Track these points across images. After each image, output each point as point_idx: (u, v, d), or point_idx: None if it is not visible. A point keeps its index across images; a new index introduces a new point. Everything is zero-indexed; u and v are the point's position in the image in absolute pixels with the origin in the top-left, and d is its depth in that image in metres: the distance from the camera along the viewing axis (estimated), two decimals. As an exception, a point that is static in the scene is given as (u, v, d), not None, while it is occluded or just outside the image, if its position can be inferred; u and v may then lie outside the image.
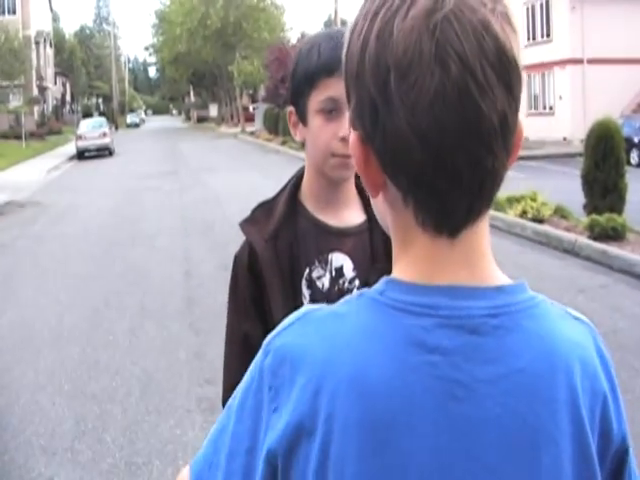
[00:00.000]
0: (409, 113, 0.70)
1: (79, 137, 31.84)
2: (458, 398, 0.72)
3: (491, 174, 0.73)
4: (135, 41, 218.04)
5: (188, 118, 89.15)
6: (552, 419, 0.73)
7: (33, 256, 10.39)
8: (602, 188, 9.79)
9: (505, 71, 0.71)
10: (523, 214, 10.60)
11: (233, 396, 0.82)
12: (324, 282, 1.50)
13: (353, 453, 0.71)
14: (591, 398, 0.76)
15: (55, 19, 77.60)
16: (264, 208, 1.55)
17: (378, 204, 0.81)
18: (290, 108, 1.53)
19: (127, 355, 5.90)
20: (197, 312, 7.02)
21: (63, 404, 4.96)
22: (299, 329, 0.77)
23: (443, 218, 0.74)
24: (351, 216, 1.53)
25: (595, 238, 8.99)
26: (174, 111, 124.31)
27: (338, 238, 1.51)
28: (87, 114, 65.44)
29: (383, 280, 0.77)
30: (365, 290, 0.78)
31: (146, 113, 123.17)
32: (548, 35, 29.44)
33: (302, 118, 1.49)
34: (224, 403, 0.85)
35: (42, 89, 52.79)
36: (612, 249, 8.52)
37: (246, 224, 1.54)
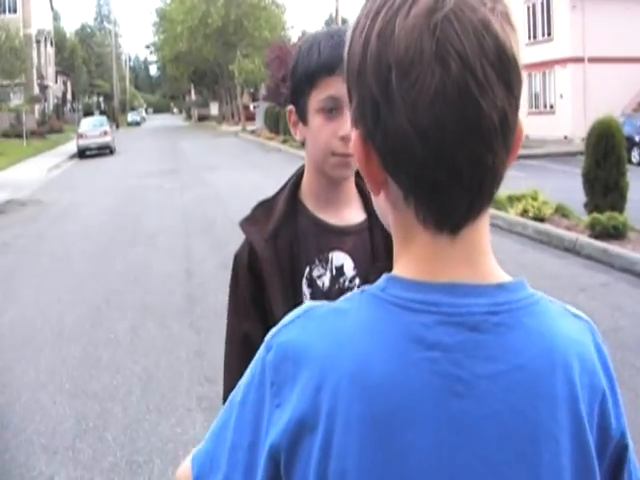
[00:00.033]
0: (410, 111, 0.70)
1: (80, 136, 31.81)
2: (458, 394, 0.72)
3: (491, 172, 0.73)
4: (136, 39, 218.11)
5: (189, 116, 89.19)
6: (552, 415, 0.74)
7: (34, 255, 10.39)
8: (603, 187, 9.78)
9: (505, 70, 0.71)
10: (524, 213, 10.59)
11: (235, 391, 0.83)
12: (324, 281, 1.50)
13: (354, 447, 0.72)
14: (590, 394, 0.76)
15: (56, 18, 77.63)
16: (264, 207, 1.54)
17: (379, 202, 0.82)
18: (290, 107, 1.52)
19: (128, 354, 5.91)
20: (198, 311, 7.02)
21: (64, 403, 4.97)
22: (301, 325, 0.78)
23: (444, 215, 0.74)
24: (351, 215, 1.53)
25: (596, 237, 8.98)
26: (175, 109, 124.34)
27: (338, 237, 1.50)
28: (88, 113, 65.41)
29: (384, 277, 0.78)
30: (367, 287, 0.78)
31: (147, 111, 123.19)
32: (549, 34, 29.42)
33: (302, 117, 1.49)
34: (225, 403, 0.85)
35: (43, 88, 52.80)
36: (613, 248, 8.51)
37: (246, 223, 1.54)
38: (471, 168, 0.72)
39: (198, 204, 14.54)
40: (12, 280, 8.87)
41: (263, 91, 46.22)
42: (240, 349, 1.47)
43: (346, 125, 1.41)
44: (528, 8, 29.91)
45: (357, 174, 1.50)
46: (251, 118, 50.17)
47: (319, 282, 1.49)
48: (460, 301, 0.74)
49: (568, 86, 28.26)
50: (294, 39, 46.35)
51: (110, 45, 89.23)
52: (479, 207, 0.75)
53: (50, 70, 58.43)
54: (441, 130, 0.70)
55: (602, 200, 9.77)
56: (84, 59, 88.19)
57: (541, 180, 13.24)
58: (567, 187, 11.99)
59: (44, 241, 11.42)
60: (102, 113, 63.33)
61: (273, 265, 1.48)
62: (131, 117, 79.53)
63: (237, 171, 20.80)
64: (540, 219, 10.34)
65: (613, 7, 26.89)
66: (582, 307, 0.84)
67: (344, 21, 35.01)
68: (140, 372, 5.49)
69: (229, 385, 1.43)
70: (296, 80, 1.47)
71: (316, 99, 1.43)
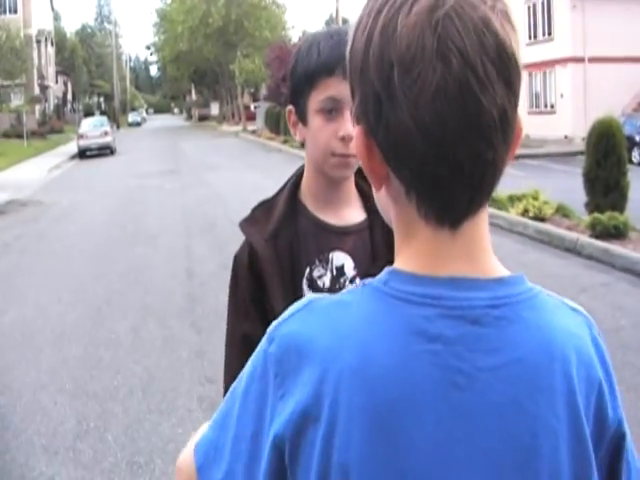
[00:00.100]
0: (412, 107, 0.72)
1: (80, 136, 31.81)
2: (459, 386, 0.73)
3: (491, 167, 0.75)
4: (136, 40, 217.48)
5: (189, 117, 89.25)
6: (550, 408, 0.75)
7: (35, 255, 10.40)
8: (604, 186, 9.78)
9: (505, 67, 0.73)
10: (525, 213, 10.59)
11: (236, 382, 0.84)
12: (325, 281, 1.49)
13: (357, 438, 0.73)
14: (587, 386, 0.77)
15: (56, 18, 77.69)
16: (264, 207, 1.54)
17: (381, 197, 0.83)
18: (289, 107, 1.52)
19: (129, 354, 5.91)
20: (199, 311, 7.02)
21: (65, 403, 4.97)
22: (303, 318, 0.79)
23: (445, 210, 0.76)
24: (351, 214, 1.52)
25: (597, 236, 8.98)
26: (175, 110, 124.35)
27: (339, 237, 1.50)
28: (88, 113, 65.45)
29: (386, 270, 0.79)
30: (369, 280, 0.79)
31: (147, 112, 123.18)
32: (549, 34, 29.41)
33: (302, 118, 1.48)
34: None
35: (43, 88, 52.82)
36: (614, 247, 8.51)
37: (246, 224, 1.54)
38: (472, 163, 0.73)
39: (199, 204, 14.55)
40: (13, 280, 8.88)
41: (264, 91, 46.26)
42: (240, 349, 1.46)
43: (346, 125, 1.40)
44: (528, 8, 29.91)
45: (357, 173, 1.50)
46: (252, 118, 50.13)
47: (319, 282, 1.49)
48: (461, 295, 0.75)
49: (568, 86, 28.25)
50: (295, 39, 46.37)
51: (110, 45, 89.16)
52: (479, 202, 0.77)
53: (50, 70, 58.47)
54: (442, 126, 0.71)
55: (603, 200, 9.76)
56: (84, 59, 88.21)
57: (542, 180, 13.23)
58: (568, 187, 11.98)
59: (45, 241, 11.43)
60: (103, 113, 63.23)
61: (273, 265, 1.47)
62: (132, 117, 79.51)
63: (238, 171, 20.79)
64: (541, 219, 10.33)
65: (613, 7, 26.88)
66: (583, 307, 0.85)
67: (344, 21, 35.05)
68: (141, 372, 5.49)
69: (229, 385, 1.42)
70: (295, 80, 1.47)
71: (316, 100, 1.43)
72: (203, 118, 75.98)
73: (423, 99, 0.71)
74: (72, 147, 34.04)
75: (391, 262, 0.81)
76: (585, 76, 27.40)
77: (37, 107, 48.05)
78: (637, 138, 20.44)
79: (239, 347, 1.48)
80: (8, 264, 9.90)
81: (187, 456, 0.88)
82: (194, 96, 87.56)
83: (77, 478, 3.98)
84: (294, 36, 51.03)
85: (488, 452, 0.73)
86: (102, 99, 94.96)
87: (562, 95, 28.79)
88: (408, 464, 0.73)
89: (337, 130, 1.42)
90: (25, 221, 13.85)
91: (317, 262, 1.49)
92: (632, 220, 9.30)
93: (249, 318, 1.48)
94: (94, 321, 6.89)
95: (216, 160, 25.27)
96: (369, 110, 0.76)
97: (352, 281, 1.49)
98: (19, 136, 35.41)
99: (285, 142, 30.96)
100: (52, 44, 60.15)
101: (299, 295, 1.47)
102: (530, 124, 25.41)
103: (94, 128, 32.31)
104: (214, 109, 74.49)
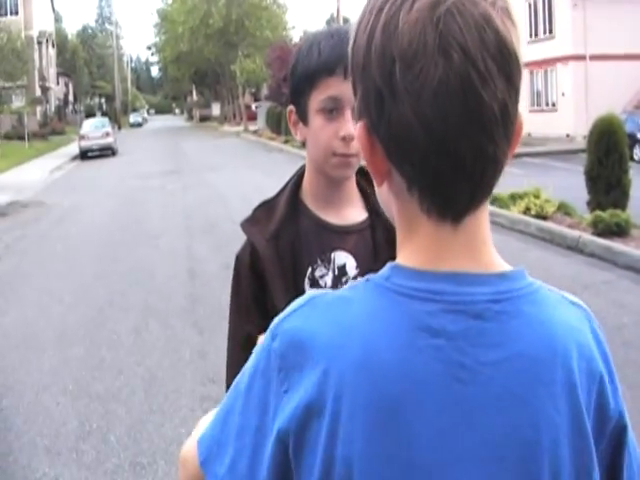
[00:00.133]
0: (414, 102, 0.73)
1: (82, 137, 31.83)
2: (462, 380, 0.74)
3: (493, 162, 0.75)
4: (137, 40, 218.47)
5: (191, 117, 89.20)
6: (552, 401, 0.76)
7: (37, 256, 10.41)
8: (605, 184, 9.77)
9: (505, 62, 0.73)
10: (526, 211, 10.58)
11: (239, 377, 0.84)
12: (327, 281, 1.49)
13: (360, 432, 0.73)
14: (588, 379, 0.78)
15: (57, 19, 77.66)
16: (265, 207, 1.54)
17: (383, 193, 0.84)
18: (290, 107, 1.51)
19: (131, 355, 5.91)
20: (201, 311, 7.02)
21: (67, 404, 4.97)
22: (306, 313, 0.79)
23: (447, 205, 0.76)
24: (353, 214, 1.52)
25: (599, 234, 8.97)
26: (177, 110, 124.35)
27: (340, 236, 1.50)
28: (90, 114, 65.42)
29: (388, 266, 0.79)
30: (371, 276, 0.80)
31: (149, 112, 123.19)
32: (550, 31, 29.41)
33: (303, 117, 1.48)
34: None
35: (45, 89, 52.86)
36: (616, 245, 8.50)
37: (247, 224, 1.53)
38: (473, 158, 0.74)
39: (200, 205, 14.55)
40: (14, 281, 8.88)
41: (265, 91, 46.27)
42: (242, 349, 1.46)
43: (347, 125, 1.40)
44: (529, 6, 29.90)
45: (359, 173, 1.50)
46: (253, 118, 50.09)
47: (321, 282, 1.49)
48: (463, 289, 0.76)
49: (570, 84, 28.23)
50: (295, 39, 46.36)
51: (112, 46, 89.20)
52: (481, 196, 0.77)
53: (52, 72, 58.51)
54: (444, 121, 0.72)
55: (605, 198, 9.76)
56: (86, 60, 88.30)
57: (543, 178, 13.21)
58: (569, 185, 11.97)
59: (46, 242, 11.44)
60: (104, 114, 63.27)
61: (275, 265, 1.47)
62: (133, 118, 79.53)
63: (239, 171, 20.81)
64: (542, 217, 10.32)
65: (614, 4, 26.84)
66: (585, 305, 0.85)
67: (345, 20, 35.01)
68: (143, 373, 5.49)
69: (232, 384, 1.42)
70: (296, 80, 1.47)
71: (316, 99, 1.43)
72: (204, 118, 75.95)
73: (425, 94, 0.72)
74: (73, 148, 34.06)
75: (393, 260, 0.81)
76: (586, 74, 27.38)
77: (38, 108, 48.09)
78: (639, 135, 20.40)
79: (241, 347, 1.48)
80: (10, 265, 9.91)
81: (191, 447, 0.88)
82: (195, 96, 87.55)
83: (80, 479, 3.98)
84: (295, 36, 51.09)
85: (490, 445, 0.74)
86: (103, 100, 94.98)
87: (563, 93, 28.78)
88: (411, 457, 0.73)
89: (338, 130, 1.41)
90: (26, 222, 13.86)
91: (319, 262, 1.49)
92: (634, 218, 9.29)
93: (251, 318, 1.48)
94: (96, 322, 6.89)
95: (217, 160, 25.29)
96: (371, 106, 0.77)
97: (354, 280, 1.49)
98: (20, 137, 35.45)
99: (286, 142, 30.96)
100: (53, 45, 60.18)
101: (301, 295, 1.47)
102: (532, 122, 25.38)
103: (95, 129, 32.33)
104: (215, 109, 74.46)
